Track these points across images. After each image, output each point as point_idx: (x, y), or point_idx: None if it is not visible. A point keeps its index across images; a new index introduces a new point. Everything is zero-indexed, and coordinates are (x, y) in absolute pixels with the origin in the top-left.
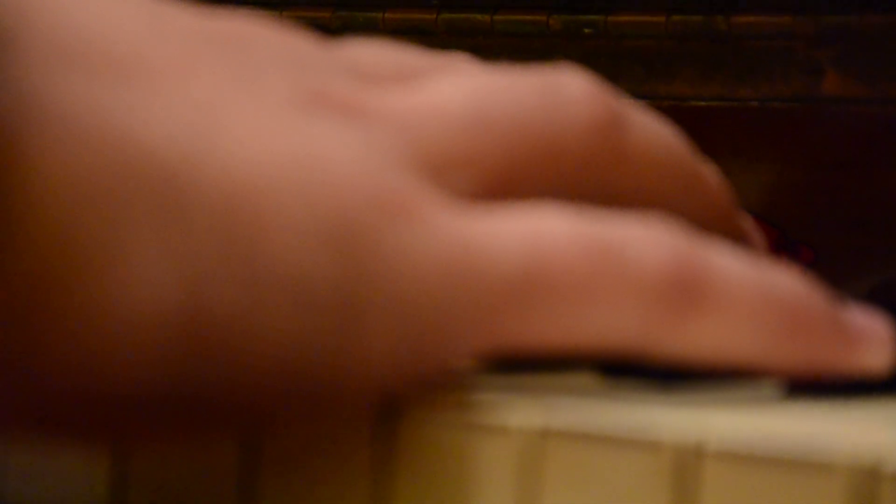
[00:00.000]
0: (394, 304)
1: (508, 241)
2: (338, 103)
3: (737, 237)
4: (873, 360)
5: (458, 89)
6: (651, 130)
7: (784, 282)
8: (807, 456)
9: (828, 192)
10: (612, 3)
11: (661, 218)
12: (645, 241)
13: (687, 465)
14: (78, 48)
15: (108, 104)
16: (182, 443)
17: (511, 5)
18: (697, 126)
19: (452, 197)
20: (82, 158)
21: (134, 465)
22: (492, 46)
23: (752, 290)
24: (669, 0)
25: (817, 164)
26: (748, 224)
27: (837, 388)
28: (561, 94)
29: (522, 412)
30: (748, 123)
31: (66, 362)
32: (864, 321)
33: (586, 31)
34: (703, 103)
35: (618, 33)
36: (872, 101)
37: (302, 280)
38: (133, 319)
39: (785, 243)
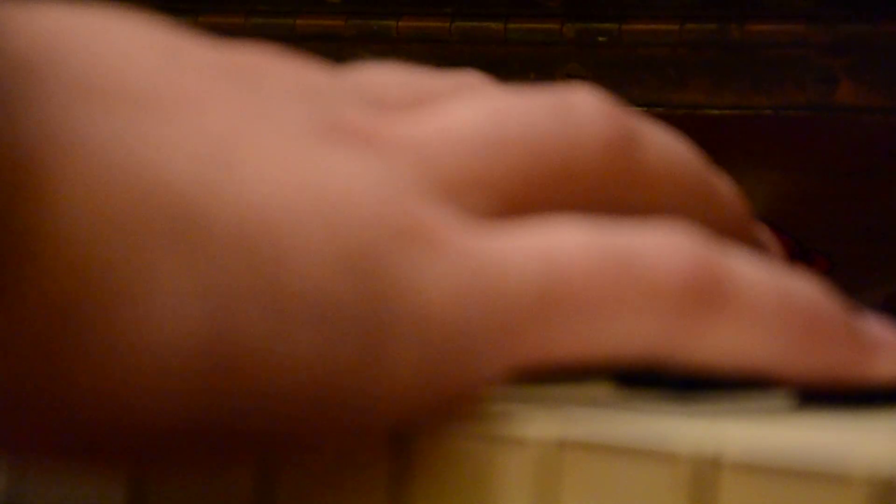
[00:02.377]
0: (415, 328)
1: (525, 259)
2: (353, 132)
3: (753, 249)
4: (888, 368)
5: (472, 112)
6: (664, 146)
7: (802, 289)
8: (825, 467)
9: (842, 200)
10: (626, 12)
11: (677, 225)
12: (661, 248)
13: (704, 476)
14: (98, 82)
15: (127, 136)
16: (205, 468)
17: (524, 13)
18: (711, 134)
19: (469, 219)
20: (104, 190)
21: (151, 486)
22: (505, 55)
23: (770, 296)
24: (683, 8)
25: (831, 172)
26: (764, 236)
27: (854, 399)
28: (574, 113)
29: (540, 423)
30: (762, 132)
31: (93, 393)
32: (880, 330)
33: (600, 39)
34: (716, 112)
35: (631, 41)
36: (887, 110)
37: (325, 307)
38: (158, 349)
39: (800, 252)
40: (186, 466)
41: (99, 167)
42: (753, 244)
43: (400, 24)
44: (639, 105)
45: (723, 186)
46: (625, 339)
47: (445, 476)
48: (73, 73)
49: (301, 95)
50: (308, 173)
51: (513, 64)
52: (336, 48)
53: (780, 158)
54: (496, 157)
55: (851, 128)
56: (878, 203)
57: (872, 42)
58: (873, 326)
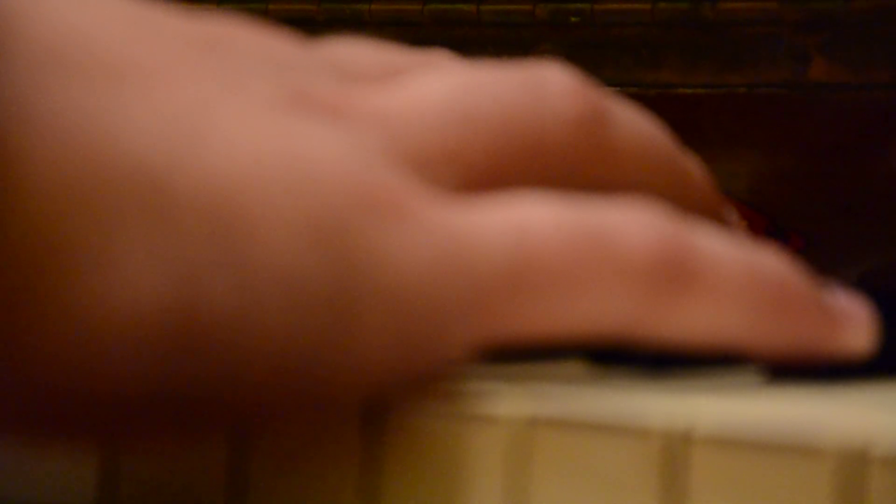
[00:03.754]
0: (384, 299)
1: (494, 232)
2: (321, 103)
3: (720, 227)
4: (855, 341)
5: (441, 86)
6: (634, 124)
7: (769, 263)
8: (795, 441)
9: (816, 178)
10: None
11: (646, 202)
12: (630, 224)
13: (675, 451)
14: (64, 51)
15: (94, 107)
16: (175, 441)
17: None
18: (685, 114)
19: (439, 191)
20: (69, 161)
21: (123, 464)
22: (478, 37)
23: (738, 271)
24: None
25: (806, 150)
26: (731, 214)
27: (823, 373)
28: (543, 89)
29: (511, 401)
30: (736, 110)
31: (55, 362)
32: (847, 303)
33: (573, 19)
34: (690, 91)
35: (604, 21)
36: (860, 87)
37: (292, 277)
38: (121, 319)
39: (775, 230)
40: (156, 438)
41: (64, 139)
42: (721, 223)
43: (372, 7)
44: (612, 85)
45: (691, 166)
46: (594, 314)
47: (418, 454)
48: (39, 42)
49: (271, 66)
50: (276, 144)
51: (486, 45)
52: (309, 32)
53: (754, 137)
54: (465, 130)
55: (825, 105)
56: (853, 180)
57: (845, 19)
58: (841, 299)
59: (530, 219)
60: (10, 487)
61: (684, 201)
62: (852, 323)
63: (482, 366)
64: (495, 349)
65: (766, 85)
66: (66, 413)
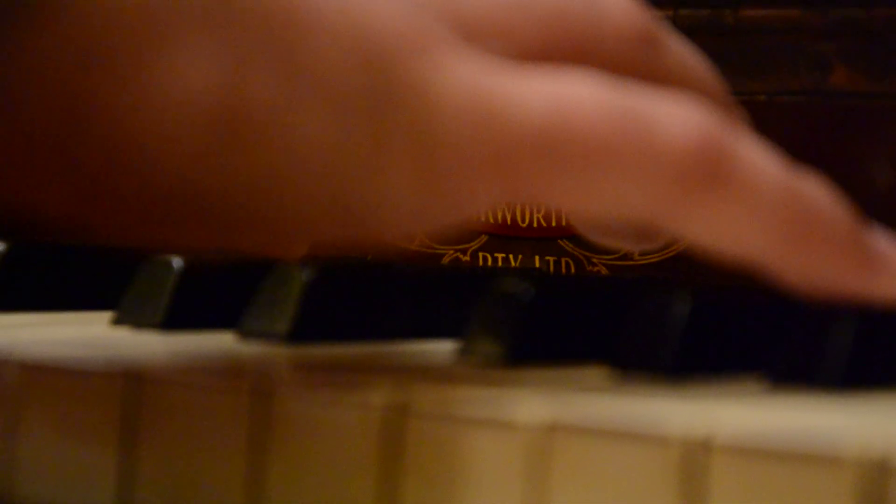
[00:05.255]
0: (417, 131)
1: (533, 98)
2: None
3: None
4: (889, 288)
5: None
6: (685, 56)
7: (811, 190)
8: (815, 450)
9: (836, 185)
10: None
11: (697, 99)
12: (675, 115)
13: (695, 459)
14: None
15: None
16: (218, 241)
17: None
18: None
19: (486, 56)
20: None
21: (142, 466)
22: None
23: (775, 187)
24: None
25: (826, 158)
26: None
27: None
28: (604, 2)
29: (530, 407)
30: (756, 117)
31: (108, 135)
32: (887, 248)
33: None
34: None
35: None
36: (881, 95)
37: (334, 88)
38: (175, 100)
39: None
40: (188, 234)
41: None
42: None
43: None
44: None
45: (737, 110)
46: (621, 197)
47: (437, 459)
48: None
49: None
50: None
51: None
52: None
53: (773, 143)
54: (519, 13)
55: (845, 112)
56: (872, 187)
57: (866, 27)
58: (881, 243)
59: (573, 92)
60: (29, 488)
61: None
62: (889, 268)
63: (501, 371)
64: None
65: (787, 92)
66: (107, 192)
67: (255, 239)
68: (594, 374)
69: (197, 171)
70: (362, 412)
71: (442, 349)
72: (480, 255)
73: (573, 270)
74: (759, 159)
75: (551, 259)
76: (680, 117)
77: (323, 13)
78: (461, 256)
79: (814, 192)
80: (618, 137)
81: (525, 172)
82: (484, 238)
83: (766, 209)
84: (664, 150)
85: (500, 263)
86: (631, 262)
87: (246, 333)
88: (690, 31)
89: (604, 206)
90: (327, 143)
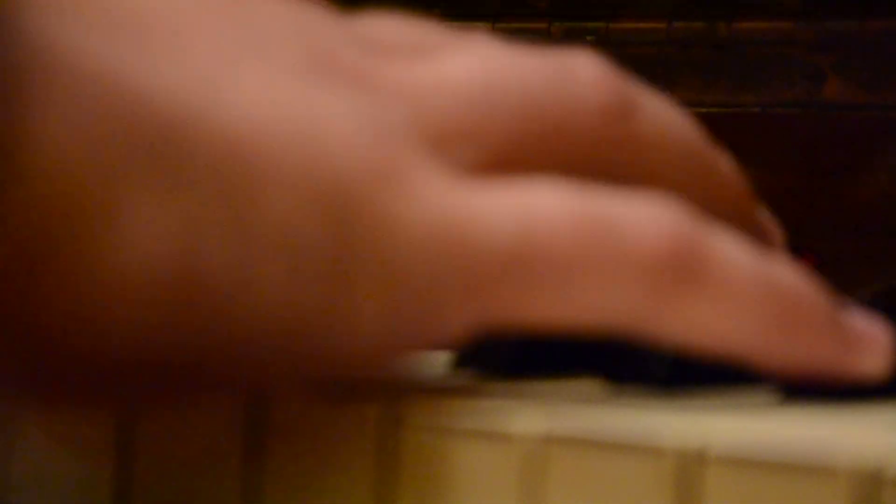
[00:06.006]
0: (384, 269)
1: (501, 214)
2: (345, 70)
3: (751, 228)
4: (870, 364)
5: (468, 64)
6: (663, 117)
7: (786, 276)
8: (809, 460)
9: (830, 197)
10: (614, 10)
11: (665, 196)
12: (643, 217)
13: (690, 470)
14: (89, 2)
15: (115, 58)
16: (184, 405)
17: (513, 13)
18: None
19: (453, 169)
20: (87, 108)
21: (137, 472)
22: None
23: (750, 279)
24: (671, 7)
25: (819, 169)
26: (764, 216)
27: (838, 393)
28: (572, 76)
29: (525, 418)
30: (750, 129)
31: (64, 315)
32: (864, 325)
33: (588, 38)
34: (704, 110)
35: (619, 40)
36: (874, 106)
37: (295, 239)
38: (129, 272)
39: (787, 249)
40: (164, 402)
41: (84, 86)
42: (752, 224)
43: None
44: None
45: (723, 163)
46: (596, 306)
47: (432, 471)
48: None
49: (297, 32)
50: (293, 106)
51: None
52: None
53: (767, 156)
54: (488, 111)
55: (838, 124)
56: (866, 199)
57: (859, 39)
58: (857, 321)
59: (539, 203)
60: (27, 495)
61: (712, 197)
62: (869, 346)
63: (496, 382)
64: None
65: (781, 104)
66: (77, 372)
67: (225, 387)
68: (588, 385)
69: (154, 336)
70: (357, 423)
71: (436, 360)
72: None
73: None
74: (731, 251)
75: None
76: (649, 218)
77: (281, 163)
78: None
79: (788, 277)
80: (588, 246)
81: (497, 294)
82: None
83: (744, 303)
84: (636, 254)
85: None
86: None
87: None
88: (684, 43)
89: (579, 316)
90: (289, 297)
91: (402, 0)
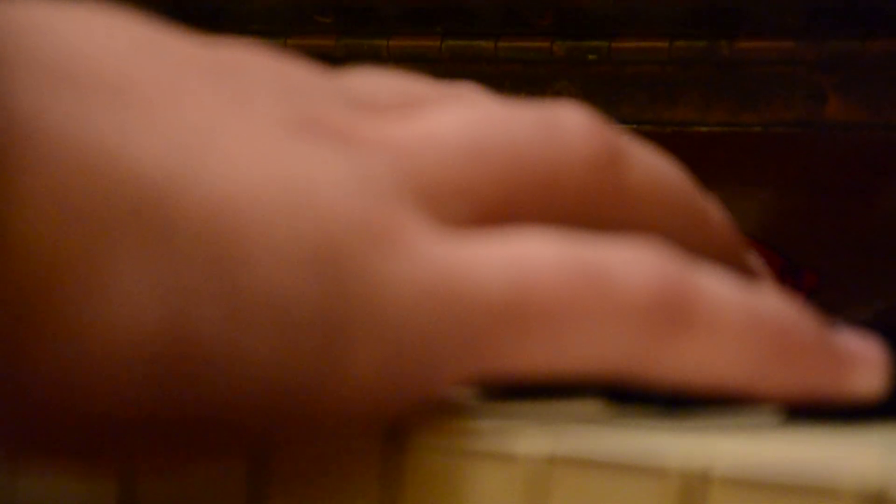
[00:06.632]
0: (377, 328)
1: (493, 268)
2: (331, 129)
3: (742, 272)
4: (865, 384)
5: (455, 119)
6: (651, 165)
7: (773, 306)
8: (812, 481)
9: (831, 216)
10: (616, 29)
11: (651, 241)
12: (631, 263)
13: (693, 490)
14: (69, 69)
15: (97, 124)
16: (182, 464)
17: (515, 32)
18: (700, 152)
19: (443, 224)
20: (69, 178)
21: (142, 487)
22: (496, 73)
23: (739, 314)
24: (673, 25)
25: (820, 189)
26: (754, 259)
27: (841, 413)
28: (559, 128)
29: (529, 439)
30: (751, 149)
31: (50, 382)
32: (856, 345)
33: (590, 57)
34: (706, 129)
35: (621, 59)
36: (875, 126)
37: (285, 303)
38: (115, 340)
39: (789, 268)
40: (160, 461)
41: (65, 155)
42: (741, 267)
43: (390, 43)
44: (628, 123)
45: (711, 209)
46: (591, 353)
47: (436, 492)
48: (44, 59)
49: (281, 91)
50: (279, 168)
51: (503, 82)
52: (327, 68)
53: (769, 175)
54: (476, 165)
55: (840, 144)
56: (867, 219)
57: (861, 59)
58: (849, 342)
59: (530, 255)
60: None
61: (701, 243)
62: (862, 365)
63: (499, 403)
64: (496, 385)
65: (782, 124)
66: (67, 434)
67: (221, 447)
68: (592, 406)
69: (143, 399)
70: (360, 443)
71: None
72: None
73: None
74: (717, 288)
75: None
76: (638, 264)
77: (268, 225)
78: None
79: (775, 306)
80: (579, 295)
81: (492, 346)
82: None
83: (734, 337)
84: (625, 300)
85: None
86: None
87: None
88: (686, 62)
89: (574, 365)
90: (281, 359)
91: (402, 22)
